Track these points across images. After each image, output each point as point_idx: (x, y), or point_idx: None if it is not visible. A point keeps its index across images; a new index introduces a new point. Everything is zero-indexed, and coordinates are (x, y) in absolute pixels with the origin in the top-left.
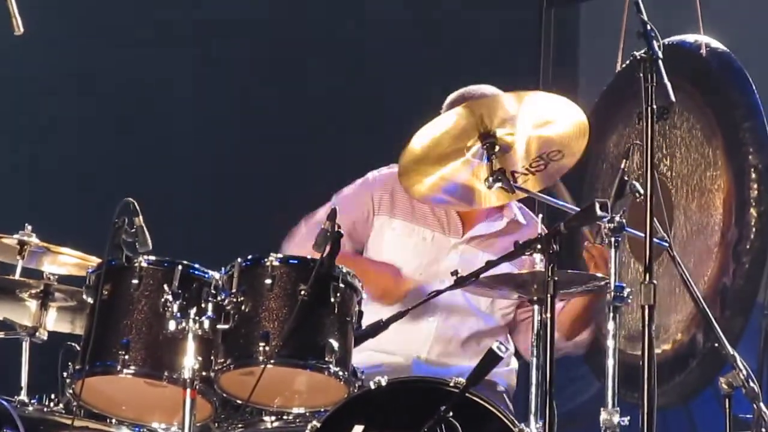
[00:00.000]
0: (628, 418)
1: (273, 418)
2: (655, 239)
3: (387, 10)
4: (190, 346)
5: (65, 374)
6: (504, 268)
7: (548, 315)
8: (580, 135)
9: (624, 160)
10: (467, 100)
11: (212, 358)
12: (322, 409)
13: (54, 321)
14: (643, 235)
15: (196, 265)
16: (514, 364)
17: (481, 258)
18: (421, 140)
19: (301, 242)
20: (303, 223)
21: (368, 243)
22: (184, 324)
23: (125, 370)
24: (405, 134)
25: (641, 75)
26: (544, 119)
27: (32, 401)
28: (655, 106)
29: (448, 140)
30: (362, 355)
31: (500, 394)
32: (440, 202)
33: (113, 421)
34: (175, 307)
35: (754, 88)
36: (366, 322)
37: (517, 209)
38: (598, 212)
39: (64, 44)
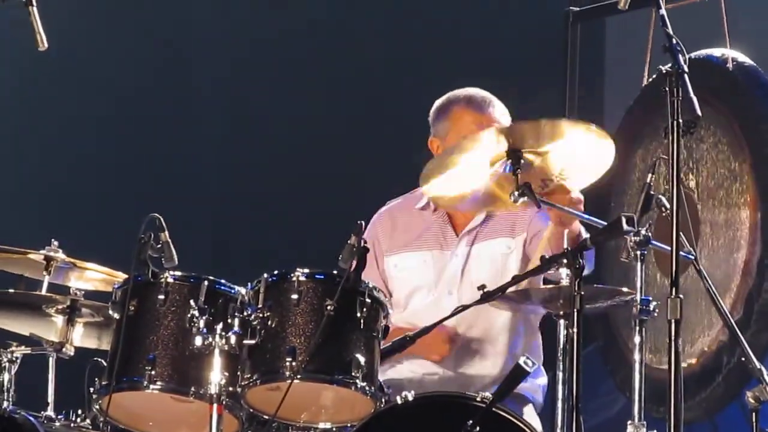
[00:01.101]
0: None
1: None
2: (681, 253)
3: (407, 28)
4: (217, 361)
5: (92, 390)
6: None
7: (574, 330)
8: (604, 166)
9: (650, 174)
10: (471, 108)
11: (239, 373)
12: (349, 425)
13: (80, 336)
14: (669, 248)
15: (223, 281)
16: (543, 380)
17: (476, 250)
18: (446, 154)
19: None
20: None
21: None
22: (210, 339)
23: (152, 386)
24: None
25: (667, 89)
26: (573, 151)
27: (59, 417)
28: (681, 120)
29: (474, 155)
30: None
31: (527, 409)
32: (462, 208)
33: None
34: (202, 323)
35: None
36: None
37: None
38: (625, 226)
39: (89, 61)
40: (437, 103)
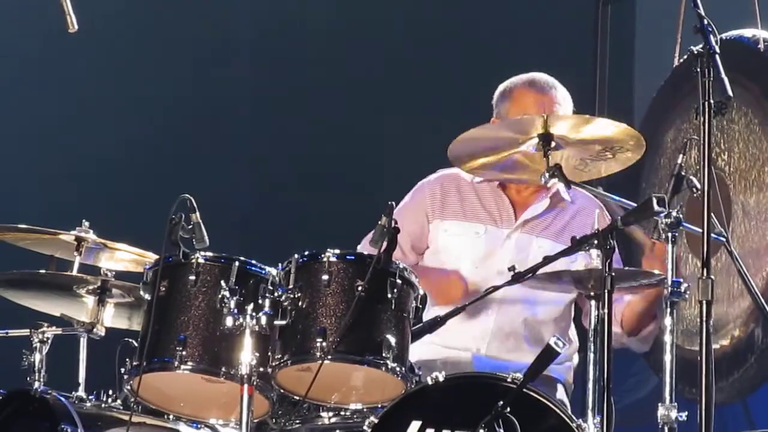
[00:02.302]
0: (686, 413)
1: (330, 414)
2: (712, 234)
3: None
4: (247, 342)
5: (122, 370)
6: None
7: (605, 310)
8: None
9: (681, 155)
10: (534, 89)
11: (269, 354)
12: (380, 405)
13: (111, 317)
14: (700, 230)
15: (253, 261)
16: (575, 360)
17: (535, 244)
18: (478, 132)
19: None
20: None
21: (427, 250)
22: (241, 320)
23: (182, 366)
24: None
25: (698, 70)
26: (604, 142)
27: (90, 397)
28: (712, 101)
29: (504, 135)
30: (424, 348)
31: (558, 390)
32: (494, 177)
33: (171, 417)
34: (232, 303)
35: None
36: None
37: (562, 188)
38: (656, 207)
39: (122, 43)
40: (501, 86)
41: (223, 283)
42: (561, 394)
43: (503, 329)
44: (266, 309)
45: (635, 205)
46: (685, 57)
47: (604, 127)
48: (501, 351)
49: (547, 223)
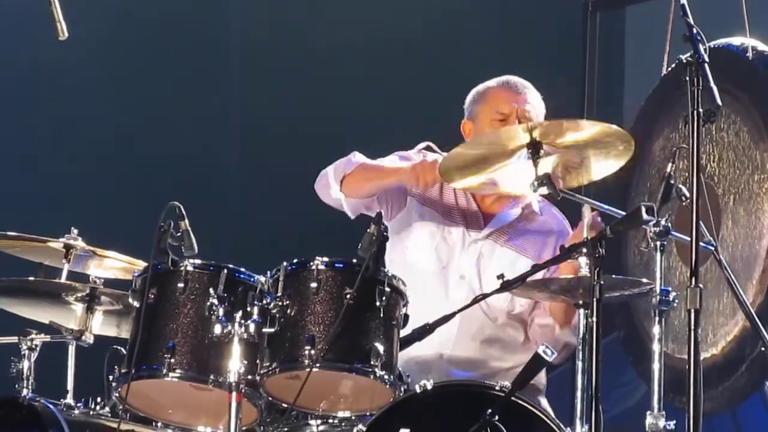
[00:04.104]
0: (674, 422)
1: (318, 422)
2: (701, 243)
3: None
4: (236, 349)
5: (111, 378)
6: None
7: (594, 319)
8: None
9: (670, 164)
10: (505, 87)
11: (258, 361)
12: (368, 413)
13: (100, 324)
14: (689, 238)
15: (242, 269)
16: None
17: (498, 252)
18: (467, 147)
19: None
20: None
21: (396, 220)
22: (229, 328)
23: (171, 374)
24: (445, 140)
25: (687, 78)
26: (594, 146)
27: (78, 405)
28: (701, 110)
29: (495, 147)
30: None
31: (541, 396)
32: (479, 190)
33: (159, 424)
34: (221, 311)
35: None
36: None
37: (534, 200)
38: (645, 216)
39: (110, 51)
40: (474, 89)
41: (211, 290)
42: (544, 403)
43: (466, 335)
44: (255, 317)
45: (624, 213)
46: (674, 65)
47: (590, 127)
48: (464, 355)
49: (515, 233)
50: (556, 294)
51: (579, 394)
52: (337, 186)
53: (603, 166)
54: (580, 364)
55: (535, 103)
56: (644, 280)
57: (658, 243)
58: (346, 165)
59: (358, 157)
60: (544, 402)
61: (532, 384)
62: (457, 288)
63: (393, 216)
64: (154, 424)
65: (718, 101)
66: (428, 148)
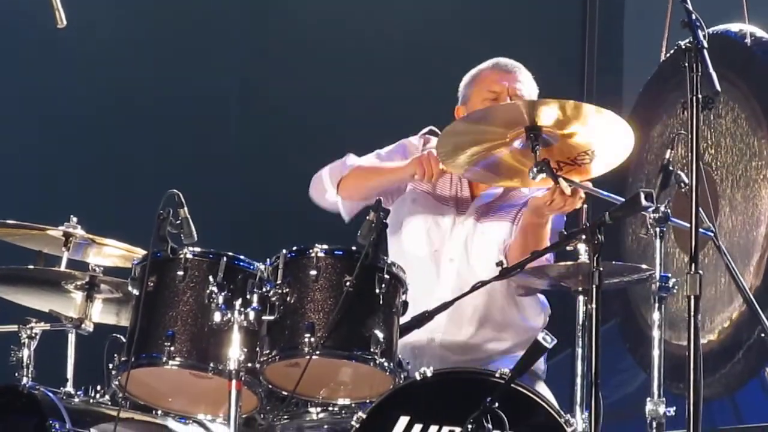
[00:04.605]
0: (674, 408)
1: (318, 409)
2: (700, 229)
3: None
4: (236, 337)
5: (111, 366)
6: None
7: (593, 306)
8: (623, 152)
9: (669, 150)
10: (496, 68)
11: (257, 349)
12: (368, 401)
13: (99, 313)
14: (688, 225)
15: (241, 257)
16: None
17: (479, 230)
18: (464, 124)
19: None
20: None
21: (392, 206)
22: (229, 315)
23: (171, 362)
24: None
25: (686, 64)
26: (593, 132)
27: (78, 393)
28: (700, 96)
29: (492, 127)
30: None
31: (541, 382)
32: (478, 178)
33: (159, 412)
34: (221, 299)
35: None
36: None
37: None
38: (643, 203)
39: (108, 37)
40: (466, 75)
41: (211, 278)
42: (543, 388)
43: (456, 313)
44: (254, 304)
45: (623, 200)
46: (673, 51)
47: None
48: (456, 338)
49: (496, 209)
50: (555, 281)
51: (579, 380)
52: (333, 189)
53: (604, 158)
54: (579, 351)
55: (526, 82)
56: (644, 267)
57: (658, 229)
58: (342, 168)
59: (352, 159)
60: (543, 387)
61: (532, 369)
62: (447, 271)
63: (389, 204)
64: (153, 412)
65: (717, 87)
66: (431, 132)
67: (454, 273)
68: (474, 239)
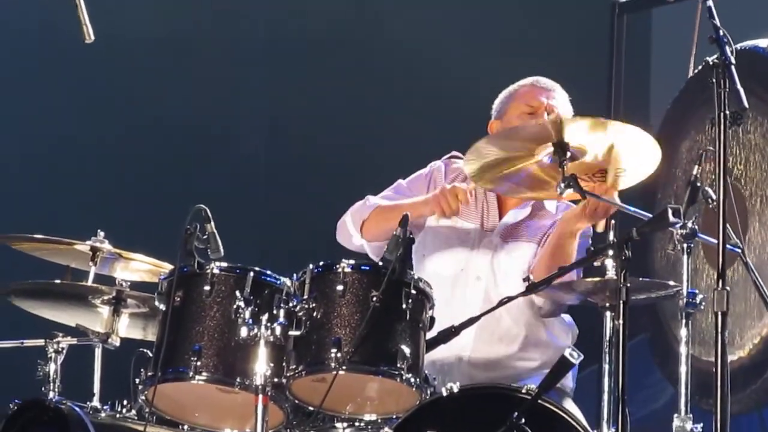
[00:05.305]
0: (701, 425)
1: (345, 424)
2: (728, 245)
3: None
4: (262, 352)
5: (137, 381)
6: None
7: (620, 321)
8: (650, 166)
9: (696, 166)
10: (535, 85)
11: (284, 364)
12: (394, 416)
13: (126, 327)
14: (715, 241)
15: (268, 272)
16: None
17: (505, 249)
18: (492, 140)
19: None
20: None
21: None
22: (255, 330)
23: (197, 377)
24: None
25: (714, 80)
26: (621, 149)
27: (104, 407)
28: (727, 112)
29: (520, 143)
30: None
31: (569, 399)
32: (502, 191)
33: (185, 427)
34: (247, 314)
35: None
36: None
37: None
38: (671, 218)
39: (134, 51)
40: (502, 92)
41: (237, 293)
42: (571, 406)
43: (486, 333)
44: (281, 319)
45: (651, 216)
46: (701, 67)
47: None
48: (485, 356)
49: (525, 229)
50: (582, 296)
51: (605, 396)
52: (358, 234)
53: (630, 173)
54: (606, 367)
55: (562, 101)
56: (671, 283)
57: (685, 245)
58: (362, 210)
59: (372, 200)
60: (571, 405)
61: (559, 387)
62: (474, 289)
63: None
64: (180, 426)
65: (745, 103)
66: (454, 157)
67: (481, 292)
68: (500, 258)
